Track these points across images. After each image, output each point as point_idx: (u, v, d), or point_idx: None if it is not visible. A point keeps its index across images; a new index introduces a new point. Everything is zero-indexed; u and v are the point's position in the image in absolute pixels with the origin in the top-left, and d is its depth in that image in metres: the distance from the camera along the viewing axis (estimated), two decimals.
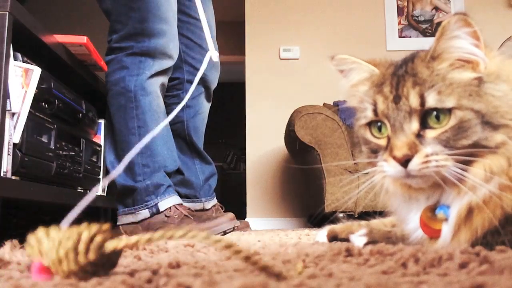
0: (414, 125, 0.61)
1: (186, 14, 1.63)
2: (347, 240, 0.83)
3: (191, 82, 1.65)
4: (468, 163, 0.59)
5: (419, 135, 0.61)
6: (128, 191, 1.41)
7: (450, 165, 0.59)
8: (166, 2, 1.42)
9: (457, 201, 0.62)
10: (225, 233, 1.39)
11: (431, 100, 0.60)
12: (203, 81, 1.69)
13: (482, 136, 0.59)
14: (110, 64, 1.44)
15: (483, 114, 0.59)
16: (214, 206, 1.73)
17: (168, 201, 1.40)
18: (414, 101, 0.61)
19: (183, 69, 1.66)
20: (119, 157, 1.42)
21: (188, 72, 1.65)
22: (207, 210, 1.69)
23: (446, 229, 0.63)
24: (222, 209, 1.76)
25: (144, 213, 1.39)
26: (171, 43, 1.44)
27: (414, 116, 0.61)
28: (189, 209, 1.46)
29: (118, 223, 1.45)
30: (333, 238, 0.88)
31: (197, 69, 1.61)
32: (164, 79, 1.48)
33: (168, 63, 1.45)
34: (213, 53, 1.02)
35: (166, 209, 1.38)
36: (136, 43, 1.39)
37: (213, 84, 1.74)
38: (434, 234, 0.65)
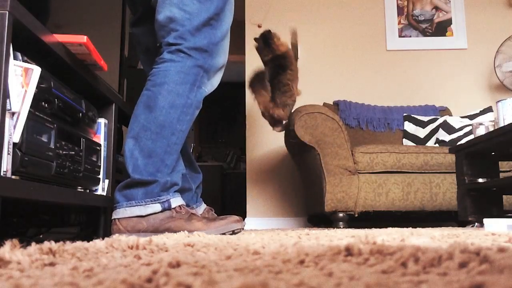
0: None
1: None
2: None
3: None
4: None
5: None
6: (141, 184, 1.39)
7: None
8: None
9: None
10: (233, 232, 1.40)
11: None
12: None
13: None
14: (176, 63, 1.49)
15: None
16: (205, 209, 1.76)
17: (177, 200, 1.43)
18: None
19: None
20: (139, 145, 1.41)
21: None
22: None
23: None
24: (212, 211, 1.78)
25: (155, 207, 1.38)
26: (220, 75, 1.58)
27: None
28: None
29: (114, 217, 1.40)
30: None
31: None
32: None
33: (210, 90, 1.54)
34: None
35: (176, 207, 1.41)
36: (203, 59, 1.48)
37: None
38: None
